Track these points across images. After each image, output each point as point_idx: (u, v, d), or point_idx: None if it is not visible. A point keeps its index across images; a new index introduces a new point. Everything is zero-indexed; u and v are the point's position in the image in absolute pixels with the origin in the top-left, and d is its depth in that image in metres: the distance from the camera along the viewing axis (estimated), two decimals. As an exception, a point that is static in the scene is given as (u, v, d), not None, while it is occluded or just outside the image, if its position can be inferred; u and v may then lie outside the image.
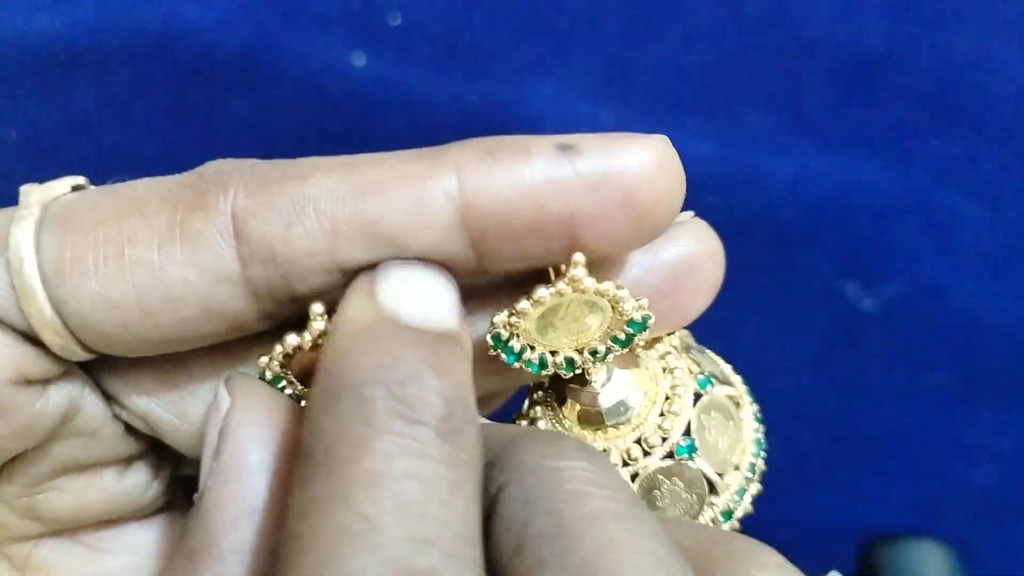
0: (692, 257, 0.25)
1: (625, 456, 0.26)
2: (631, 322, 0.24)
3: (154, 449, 0.26)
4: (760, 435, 0.26)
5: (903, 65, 0.44)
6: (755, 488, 0.27)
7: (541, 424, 0.27)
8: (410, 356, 0.19)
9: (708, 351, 0.28)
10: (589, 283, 0.23)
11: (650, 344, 0.27)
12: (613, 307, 0.24)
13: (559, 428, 0.27)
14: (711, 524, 0.26)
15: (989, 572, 0.45)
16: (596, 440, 0.27)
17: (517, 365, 0.24)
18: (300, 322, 0.23)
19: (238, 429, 0.21)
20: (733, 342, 0.28)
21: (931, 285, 0.42)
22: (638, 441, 0.26)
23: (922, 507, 0.46)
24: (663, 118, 0.43)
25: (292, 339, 0.23)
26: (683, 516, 0.27)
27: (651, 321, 0.24)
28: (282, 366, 0.23)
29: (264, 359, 0.23)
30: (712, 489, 0.27)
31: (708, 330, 0.27)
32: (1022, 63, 0.44)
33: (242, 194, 0.22)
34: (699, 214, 0.25)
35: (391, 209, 0.21)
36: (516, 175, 0.22)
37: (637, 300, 0.24)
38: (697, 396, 0.25)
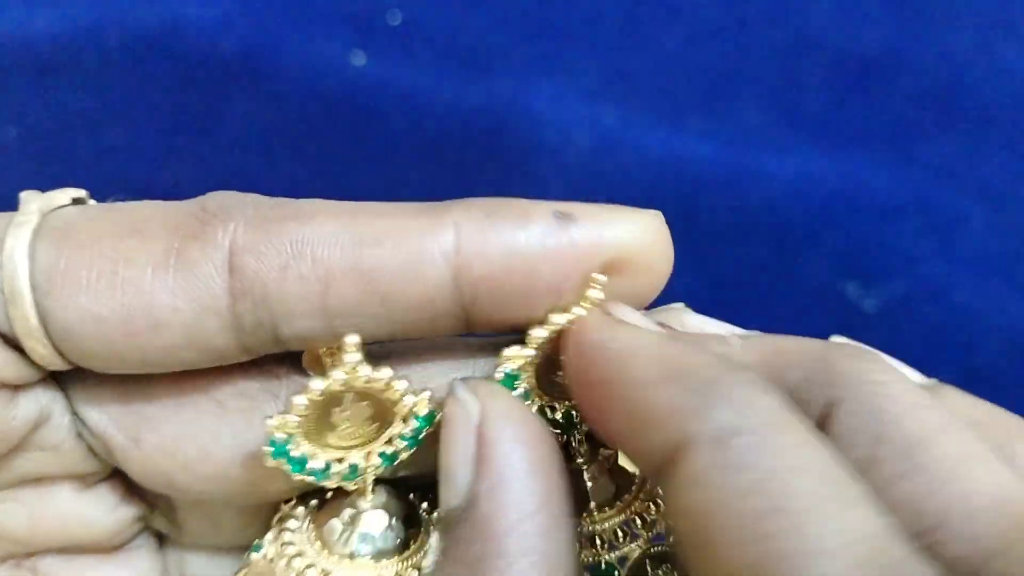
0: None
1: (605, 538, 0.23)
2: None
3: (120, 478, 0.25)
4: None
5: (903, 65, 0.44)
6: None
7: None
8: None
9: None
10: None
11: None
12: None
13: None
14: None
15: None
16: (582, 524, 0.24)
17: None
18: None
19: (501, 432, 0.21)
20: (733, 342, 0.28)
21: (932, 285, 0.41)
22: (625, 523, 0.24)
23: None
24: (663, 118, 0.43)
25: (317, 384, 0.21)
26: None
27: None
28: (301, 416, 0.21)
29: (272, 422, 0.21)
30: None
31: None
32: (1023, 63, 0.44)
33: (242, 229, 0.22)
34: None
35: (387, 263, 0.21)
36: (512, 239, 0.22)
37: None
38: None
